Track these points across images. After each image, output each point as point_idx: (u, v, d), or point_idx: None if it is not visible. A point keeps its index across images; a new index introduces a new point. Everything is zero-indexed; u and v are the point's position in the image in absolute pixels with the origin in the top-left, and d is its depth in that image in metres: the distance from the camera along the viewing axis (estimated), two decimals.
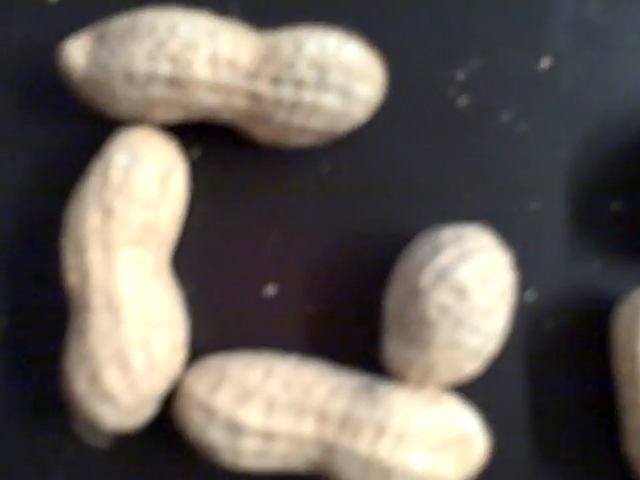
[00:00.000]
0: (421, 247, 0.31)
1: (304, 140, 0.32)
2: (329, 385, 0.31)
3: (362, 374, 0.32)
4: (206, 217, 0.34)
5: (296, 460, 0.30)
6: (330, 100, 0.31)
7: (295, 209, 0.34)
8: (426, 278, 0.30)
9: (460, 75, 0.35)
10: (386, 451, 0.29)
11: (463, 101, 0.35)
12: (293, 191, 0.34)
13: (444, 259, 0.30)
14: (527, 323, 0.34)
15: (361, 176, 0.35)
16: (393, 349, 0.31)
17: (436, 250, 0.30)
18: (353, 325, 0.34)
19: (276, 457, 0.30)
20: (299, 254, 0.34)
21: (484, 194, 0.34)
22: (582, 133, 0.35)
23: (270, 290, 0.34)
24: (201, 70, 0.31)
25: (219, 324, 0.34)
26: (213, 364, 0.31)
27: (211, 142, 0.35)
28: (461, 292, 0.30)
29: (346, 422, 0.30)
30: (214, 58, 0.31)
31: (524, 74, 0.35)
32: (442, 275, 0.30)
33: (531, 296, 0.34)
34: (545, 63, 0.35)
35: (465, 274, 0.30)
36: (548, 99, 0.35)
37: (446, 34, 0.35)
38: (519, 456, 0.34)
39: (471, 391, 0.33)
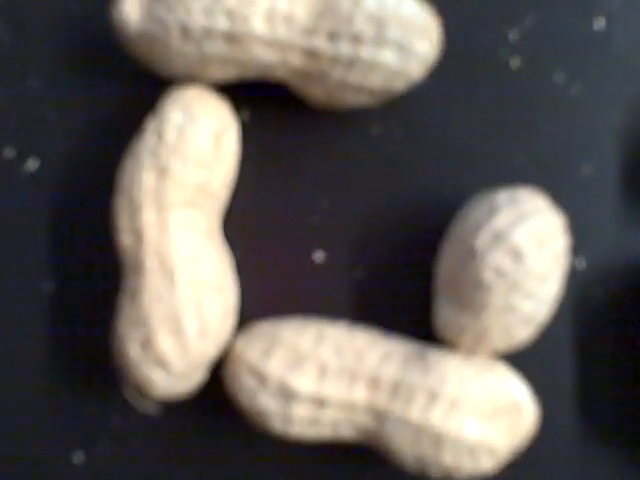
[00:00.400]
0: (476, 209, 0.30)
1: (360, 100, 0.32)
2: (381, 351, 0.30)
3: (413, 341, 0.31)
4: (255, 181, 0.34)
5: (347, 428, 0.30)
6: (388, 56, 0.30)
7: (345, 174, 0.34)
8: (482, 240, 0.29)
9: (513, 35, 0.34)
10: (438, 418, 0.29)
11: (516, 62, 0.34)
12: (343, 155, 0.34)
13: (500, 221, 0.30)
14: (576, 291, 0.33)
15: (412, 139, 0.34)
16: (445, 315, 0.31)
17: (492, 212, 0.30)
18: (403, 291, 0.33)
19: (327, 424, 0.30)
20: (348, 220, 0.34)
21: (536, 157, 0.34)
22: (636, 96, 0.34)
23: (319, 256, 0.33)
24: (258, 25, 0.30)
25: (268, 290, 0.33)
26: (264, 329, 0.31)
27: (260, 104, 0.34)
28: (517, 255, 0.29)
29: (398, 389, 0.29)
30: (271, 13, 0.30)
31: (578, 35, 0.34)
32: (498, 237, 0.29)
33: (580, 263, 0.33)
34: (599, 24, 0.34)
35: (521, 237, 0.29)
36: (602, 61, 0.34)
37: None
38: (567, 427, 0.33)
39: (521, 359, 0.32)
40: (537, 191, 0.31)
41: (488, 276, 0.29)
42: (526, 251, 0.29)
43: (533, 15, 0.34)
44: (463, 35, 0.34)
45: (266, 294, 0.33)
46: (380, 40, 0.30)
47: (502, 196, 0.30)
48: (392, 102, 0.34)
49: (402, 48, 0.30)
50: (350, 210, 0.34)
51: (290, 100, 0.33)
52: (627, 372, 0.33)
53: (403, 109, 0.34)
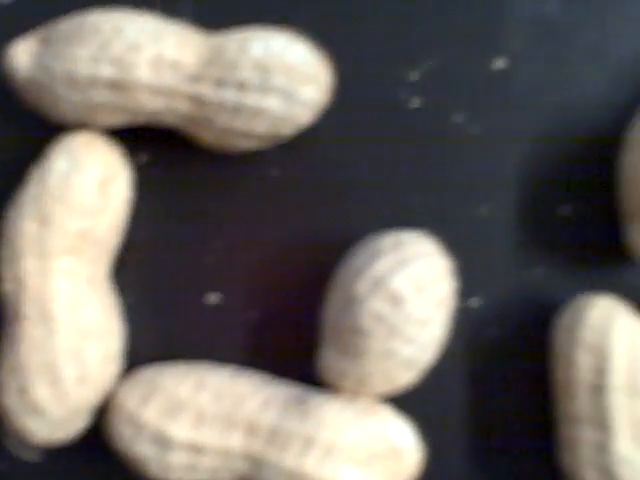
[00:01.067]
0: (359, 254, 0.30)
1: (248, 144, 0.32)
2: (261, 397, 0.30)
3: (298, 385, 0.31)
4: (152, 223, 0.34)
5: (225, 474, 0.30)
6: (273, 103, 0.30)
7: (240, 215, 0.34)
8: (361, 286, 0.29)
9: (413, 76, 0.34)
10: (312, 465, 0.29)
11: (415, 103, 0.34)
12: (241, 196, 0.34)
13: (381, 266, 0.29)
14: (471, 330, 0.33)
15: (311, 181, 0.34)
16: (328, 359, 0.30)
17: (374, 257, 0.30)
18: (295, 335, 0.33)
19: (205, 471, 0.30)
20: (242, 262, 0.33)
21: (434, 198, 0.34)
22: (533, 136, 0.34)
23: (213, 298, 0.33)
24: (143, 73, 0.30)
25: (161, 333, 0.33)
26: (146, 376, 0.31)
27: (159, 146, 0.34)
28: (396, 301, 0.29)
29: (275, 435, 0.29)
30: (157, 60, 0.31)
31: (477, 75, 0.34)
32: (378, 283, 0.29)
33: (476, 302, 0.33)
34: (499, 64, 0.34)
35: (401, 282, 0.29)
36: (501, 101, 0.34)
37: (399, 35, 0.34)
38: (459, 466, 0.33)
39: (411, 400, 0.32)
40: (426, 234, 0.31)
41: (367, 322, 0.29)
42: (406, 296, 0.29)
43: (433, 56, 0.34)
44: (364, 76, 0.34)
45: (160, 338, 0.33)
46: (265, 87, 0.30)
47: (386, 240, 0.30)
48: (290, 143, 0.33)
49: (287, 95, 0.30)
50: (244, 253, 0.33)
51: (189, 142, 0.33)
52: (520, 412, 0.33)
53: (301, 150, 0.34)
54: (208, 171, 0.34)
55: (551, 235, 0.33)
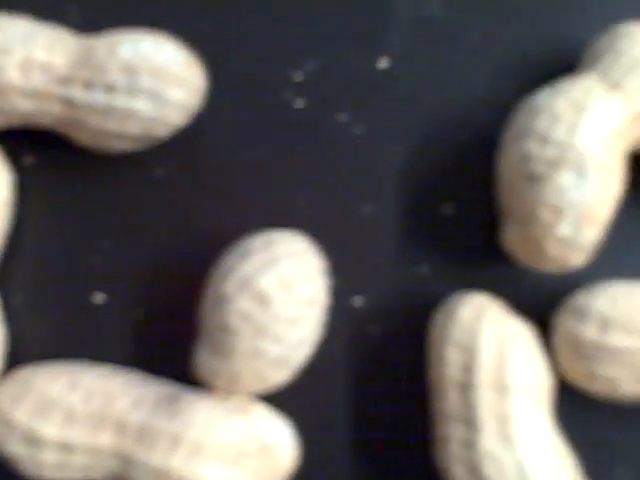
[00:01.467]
0: (231, 254, 0.31)
1: (123, 145, 0.32)
2: (132, 396, 0.30)
3: (175, 384, 0.32)
4: (38, 224, 0.34)
5: (96, 472, 0.30)
6: (142, 105, 0.31)
7: (125, 216, 0.34)
8: (230, 285, 0.30)
9: (297, 77, 0.34)
10: (178, 463, 0.29)
11: (299, 103, 0.34)
12: (124, 197, 0.34)
13: (249, 266, 0.30)
14: (354, 328, 0.33)
15: (195, 181, 0.34)
16: (201, 357, 0.31)
17: (243, 257, 0.30)
18: (177, 334, 0.33)
19: (77, 469, 0.30)
20: (127, 262, 0.34)
21: (317, 197, 0.34)
22: (417, 135, 0.34)
23: (99, 298, 0.34)
24: (13, 75, 0.31)
25: (47, 333, 0.34)
26: (20, 376, 0.31)
27: (43, 148, 0.34)
28: (263, 300, 0.29)
29: (143, 434, 0.30)
30: (27, 63, 0.31)
31: (361, 75, 0.35)
32: (245, 283, 0.29)
33: (359, 301, 0.33)
34: (382, 64, 0.34)
35: (267, 282, 0.29)
36: (385, 100, 0.34)
37: (283, 36, 0.35)
38: (340, 464, 0.33)
39: (292, 399, 0.33)
40: (305, 233, 0.31)
41: (235, 321, 0.29)
42: (272, 296, 0.29)
43: (316, 57, 0.34)
44: (248, 77, 0.34)
45: (45, 338, 0.33)
46: (133, 89, 0.31)
47: (258, 240, 0.31)
48: (178, 144, 0.34)
49: (155, 96, 0.31)
50: (130, 252, 0.34)
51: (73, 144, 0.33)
52: (401, 408, 0.34)
53: (188, 151, 0.34)
54: (93, 172, 0.34)
55: (434, 234, 0.34)
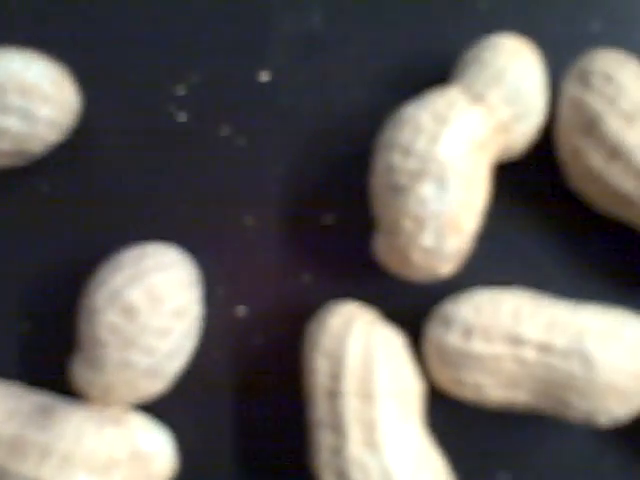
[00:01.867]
0: (104, 267, 0.31)
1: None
2: (6, 408, 0.31)
3: (52, 396, 0.32)
4: None
5: None
6: (12, 122, 0.31)
7: (11, 231, 0.34)
8: (100, 298, 0.30)
9: (180, 90, 0.35)
10: (49, 474, 0.30)
11: (182, 117, 0.35)
12: (9, 213, 0.35)
13: (119, 279, 0.30)
14: (237, 338, 0.34)
15: (80, 196, 0.35)
16: (76, 369, 0.31)
17: (115, 270, 0.31)
18: (58, 345, 0.34)
19: None
20: (14, 275, 0.34)
21: (200, 209, 0.34)
22: (298, 147, 0.35)
23: None
24: None
25: None
26: None
27: None
28: (130, 312, 0.30)
29: (16, 446, 0.30)
30: None
31: (243, 88, 0.35)
32: (114, 295, 0.30)
33: (242, 311, 0.34)
34: (264, 77, 0.35)
35: (135, 295, 0.30)
36: (266, 113, 0.35)
37: (165, 50, 0.35)
38: (222, 472, 0.33)
39: (174, 408, 0.33)
40: (173, 245, 0.32)
41: (103, 333, 0.30)
42: (139, 308, 0.30)
43: (199, 70, 0.35)
44: (132, 91, 0.35)
45: None
46: (3, 107, 0.31)
47: (130, 253, 0.31)
48: (63, 159, 0.34)
49: (25, 114, 0.31)
50: (18, 266, 0.34)
51: None
52: (282, 417, 0.34)
53: (73, 166, 0.35)
54: None
55: (315, 244, 0.34)
